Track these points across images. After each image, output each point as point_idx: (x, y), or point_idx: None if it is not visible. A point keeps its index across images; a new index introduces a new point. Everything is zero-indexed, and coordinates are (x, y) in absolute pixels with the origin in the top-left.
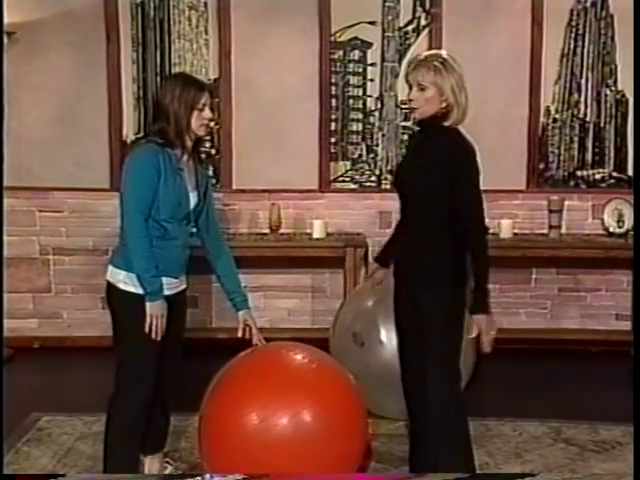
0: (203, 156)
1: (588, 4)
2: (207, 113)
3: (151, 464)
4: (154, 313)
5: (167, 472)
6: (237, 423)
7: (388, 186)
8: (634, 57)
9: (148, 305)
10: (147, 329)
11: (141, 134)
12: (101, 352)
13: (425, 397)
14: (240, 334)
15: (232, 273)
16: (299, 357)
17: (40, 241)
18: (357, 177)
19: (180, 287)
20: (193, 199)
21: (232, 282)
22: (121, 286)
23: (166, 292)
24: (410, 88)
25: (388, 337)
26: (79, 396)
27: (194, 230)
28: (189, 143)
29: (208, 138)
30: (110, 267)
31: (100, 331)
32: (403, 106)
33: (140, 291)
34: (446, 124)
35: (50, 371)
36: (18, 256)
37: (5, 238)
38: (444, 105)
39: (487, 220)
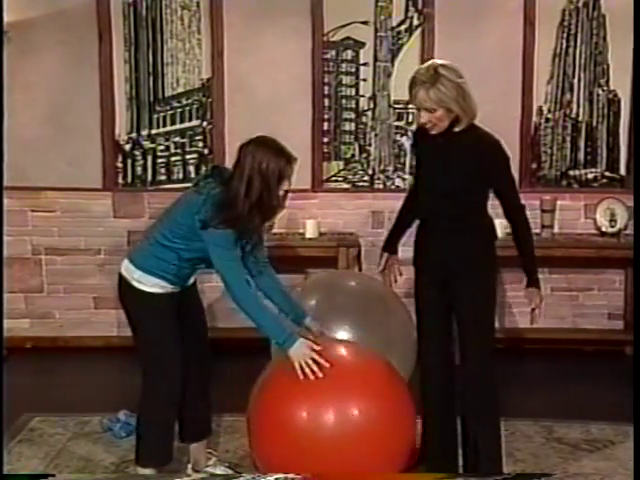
0: None
1: (580, 4)
2: (287, 184)
3: (197, 452)
4: (300, 354)
5: (211, 462)
6: (287, 421)
7: (381, 186)
8: (633, 57)
9: (291, 353)
10: (302, 376)
11: (134, 134)
12: (93, 352)
13: (453, 389)
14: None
15: (279, 291)
16: (349, 355)
17: (32, 241)
18: (350, 177)
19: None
20: None
21: (284, 301)
22: (135, 284)
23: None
24: (418, 110)
25: None
26: (71, 396)
27: None
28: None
29: (201, 139)
30: (126, 261)
31: (93, 331)
32: (396, 106)
33: (152, 290)
34: (457, 130)
35: (42, 371)
36: (10, 256)
37: (5, 238)
38: (454, 115)
39: None
